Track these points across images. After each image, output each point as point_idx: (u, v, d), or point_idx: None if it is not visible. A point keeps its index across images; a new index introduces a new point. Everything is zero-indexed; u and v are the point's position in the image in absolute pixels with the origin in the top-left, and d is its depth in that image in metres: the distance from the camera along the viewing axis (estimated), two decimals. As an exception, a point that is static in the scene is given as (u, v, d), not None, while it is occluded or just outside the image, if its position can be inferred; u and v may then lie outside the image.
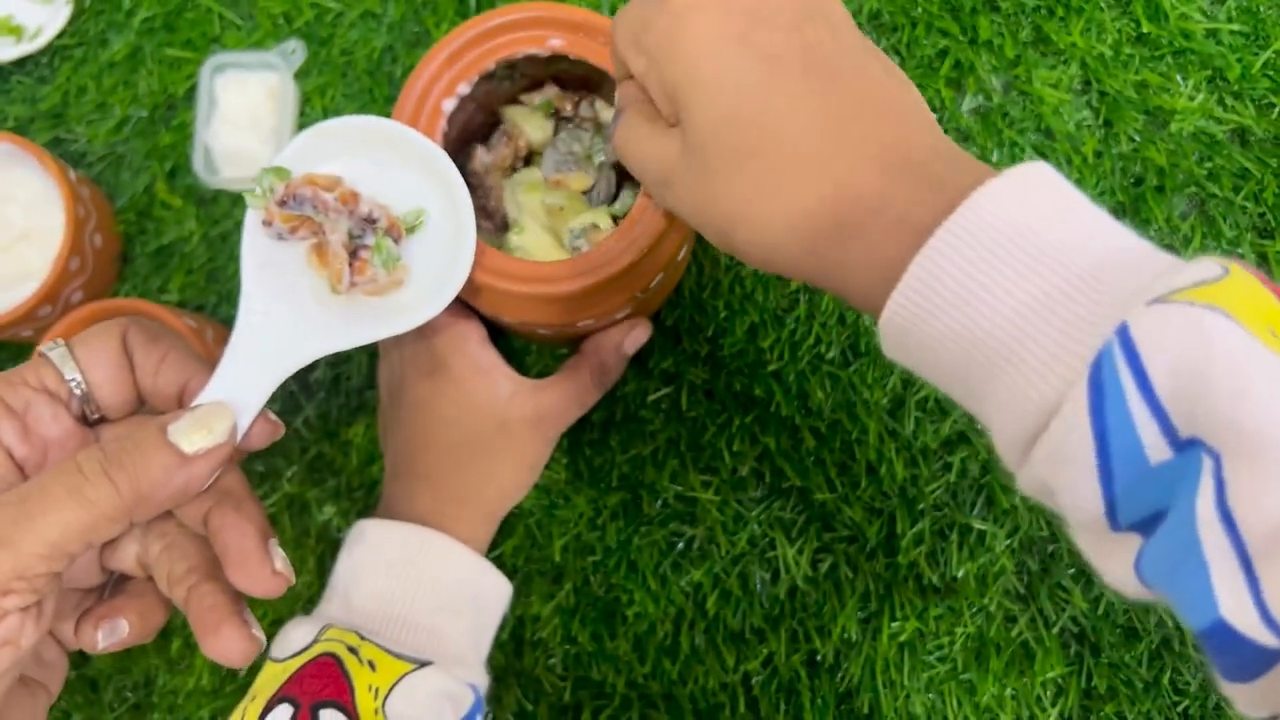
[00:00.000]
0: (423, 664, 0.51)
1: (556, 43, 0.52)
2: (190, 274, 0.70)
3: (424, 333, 0.58)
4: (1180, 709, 0.62)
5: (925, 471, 0.64)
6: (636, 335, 0.60)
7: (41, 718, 0.40)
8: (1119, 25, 0.70)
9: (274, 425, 0.43)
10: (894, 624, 0.63)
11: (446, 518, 0.57)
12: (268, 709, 0.47)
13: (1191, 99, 0.68)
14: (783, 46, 0.38)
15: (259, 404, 0.42)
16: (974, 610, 0.63)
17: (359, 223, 0.46)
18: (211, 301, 0.70)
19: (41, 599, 0.36)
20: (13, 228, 0.65)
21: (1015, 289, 0.33)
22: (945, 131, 0.68)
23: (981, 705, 0.62)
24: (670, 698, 0.63)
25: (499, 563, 0.61)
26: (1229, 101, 0.68)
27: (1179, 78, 0.69)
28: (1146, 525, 0.32)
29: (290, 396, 0.68)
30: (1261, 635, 0.28)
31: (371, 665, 0.49)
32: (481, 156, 0.57)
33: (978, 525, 0.63)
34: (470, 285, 0.50)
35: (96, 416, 0.42)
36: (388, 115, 0.49)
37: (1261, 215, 0.67)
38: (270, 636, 0.52)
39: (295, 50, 0.72)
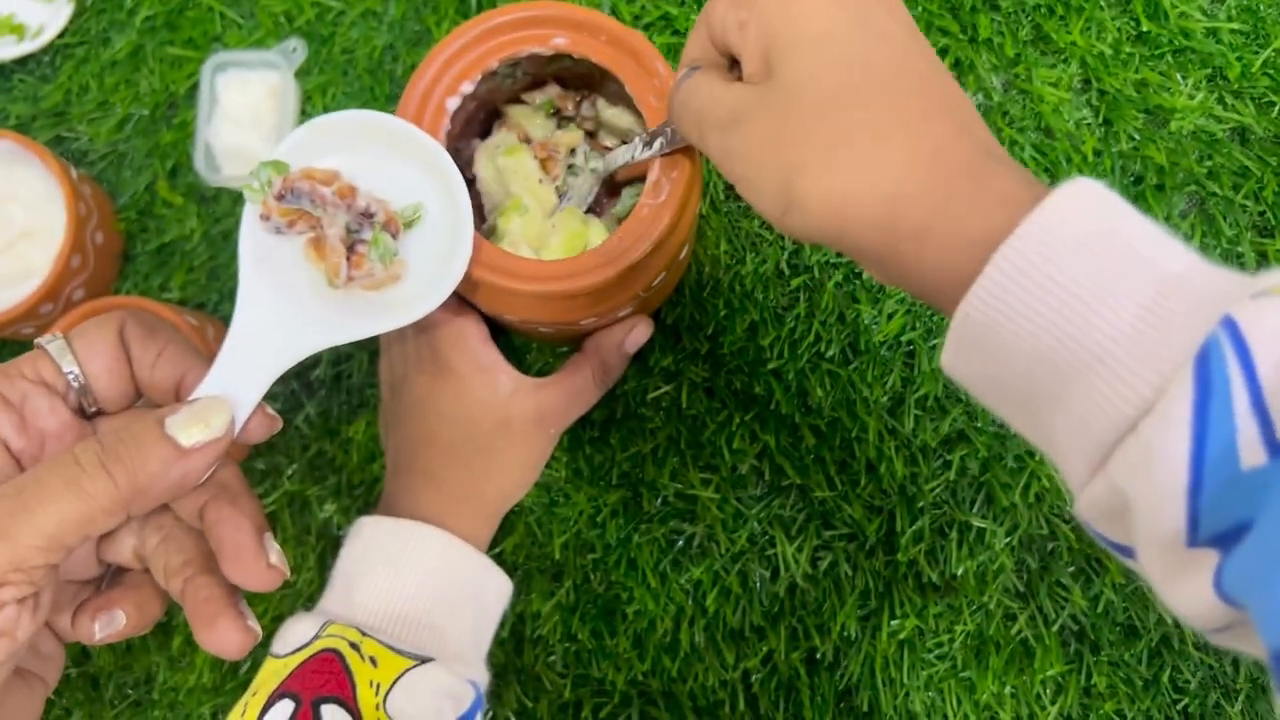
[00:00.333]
0: (424, 660, 0.51)
1: (560, 41, 0.52)
2: (191, 272, 0.70)
3: (425, 330, 0.58)
4: (1180, 707, 0.62)
5: (925, 469, 0.64)
6: (638, 334, 0.60)
7: (39, 709, 0.40)
8: (1119, 24, 0.70)
9: (271, 419, 0.43)
10: (893, 622, 0.63)
11: (447, 515, 0.57)
12: (269, 704, 0.47)
13: (1191, 97, 0.68)
14: (891, 21, 0.38)
15: (256, 398, 0.42)
16: (973, 608, 0.63)
17: (356, 217, 0.46)
18: (213, 299, 0.70)
19: (38, 591, 0.36)
20: (15, 226, 0.65)
21: (1112, 286, 0.31)
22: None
23: (981, 703, 0.62)
24: (670, 695, 0.63)
25: (499, 560, 0.61)
26: (1229, 100, 0.68)
27: (1179, 76, 0.69)
28: (1225, 539, 0.30)
29: (291, 394, 0.68)
30: None
31: (373, 661, 0.49)
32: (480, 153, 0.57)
33: (977, 523, 0.63)
34: (471, 282, 0.50)
35: (94, 409, 0.42)
36: (389, 113, 0.50)
37: (1261, 213, 0.67)
38: (272, 632, 0.52)
39: (296, 49, 0.72)
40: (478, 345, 0.58)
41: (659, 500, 0.65)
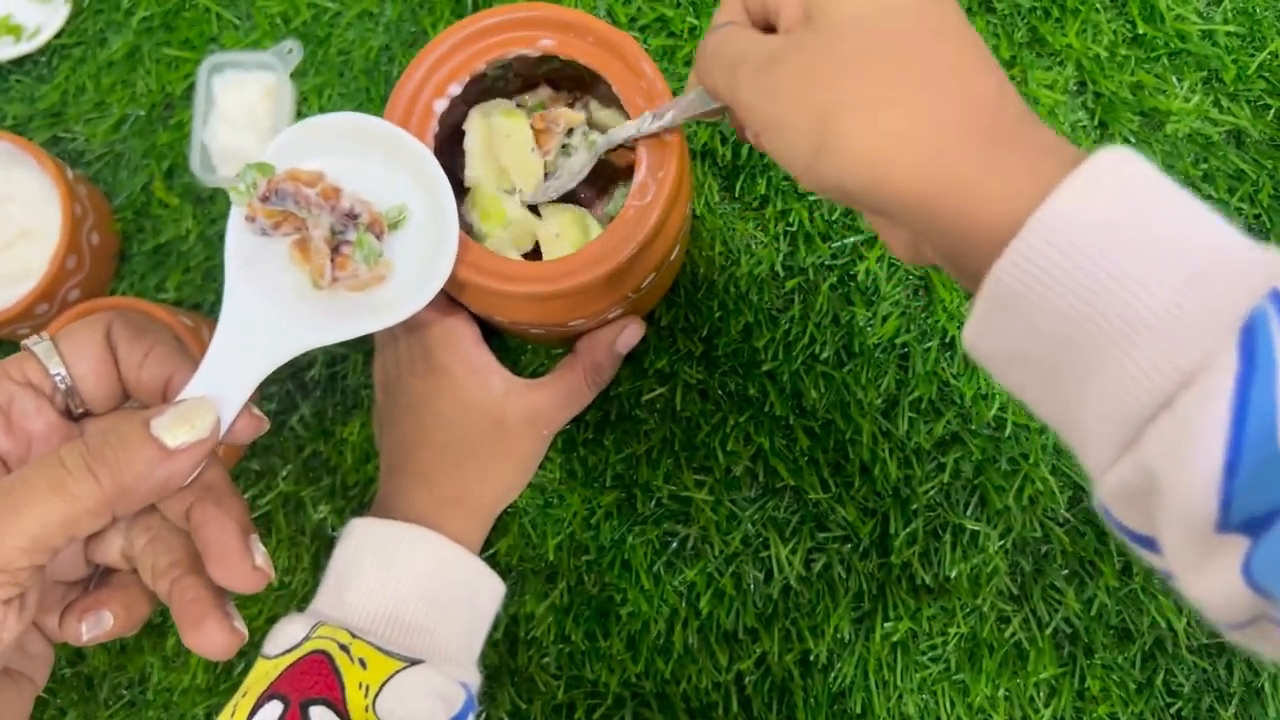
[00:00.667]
0: (414, 662, 0.51)
1: (547, 43, 0.52)
2: (187, 273, 0.70)
3: (418, 332, 0.58)
4: (1173, 710, 0.62)
5: (919, 472, 0.64)
6: (630, 334, 0.60)
7: (27, 709, 0.41)
8: (1114, 26, 0.70)
9: (258, 420, 0.43)
10: (887, 624, 0.63)
11: (441, 516, 0.57)
12: (258, 705, 0.48)
13: (1187, 100, 0.68)
14: None
15: (243, 399, 0.42)
16: (967, 611, 0.63)
17: (341, 218, 0.46)
18: (208, 300, 0.70)
19: (24, 592, 0.36)
20: (11, 226, 0.65)
21: (1155, 255, 0.30)
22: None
23: (974, 706, 0.62)
24: (663, 697, 0.63)
25: (493, 561, 0.61)
26: (1224, 103, 0.68)
27: (1174, 79, 0.69)
28: (1258, 524, 0.29)
29: (286, 395, 0.68)
30: None
31: (362, 663, 0.50)
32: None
33: (971, 526, 0.63)
34: (459, 283, 0.50)
35: (81, 410, 0.42)
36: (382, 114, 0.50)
37: (1257, 217, 0.67)
38: (264, 633, 0.52)
39: (292, 50, 0.72)
40: (470, 347, 0.58)
41: (653, 502, 0.65)
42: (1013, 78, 0.69)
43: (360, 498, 0.66)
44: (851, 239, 0.66)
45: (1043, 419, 0.36)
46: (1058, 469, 0.63)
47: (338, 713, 0.48)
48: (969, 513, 0.63)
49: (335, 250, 0.46)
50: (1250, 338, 0.29)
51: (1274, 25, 0.69)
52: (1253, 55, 0.69)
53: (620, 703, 0.63)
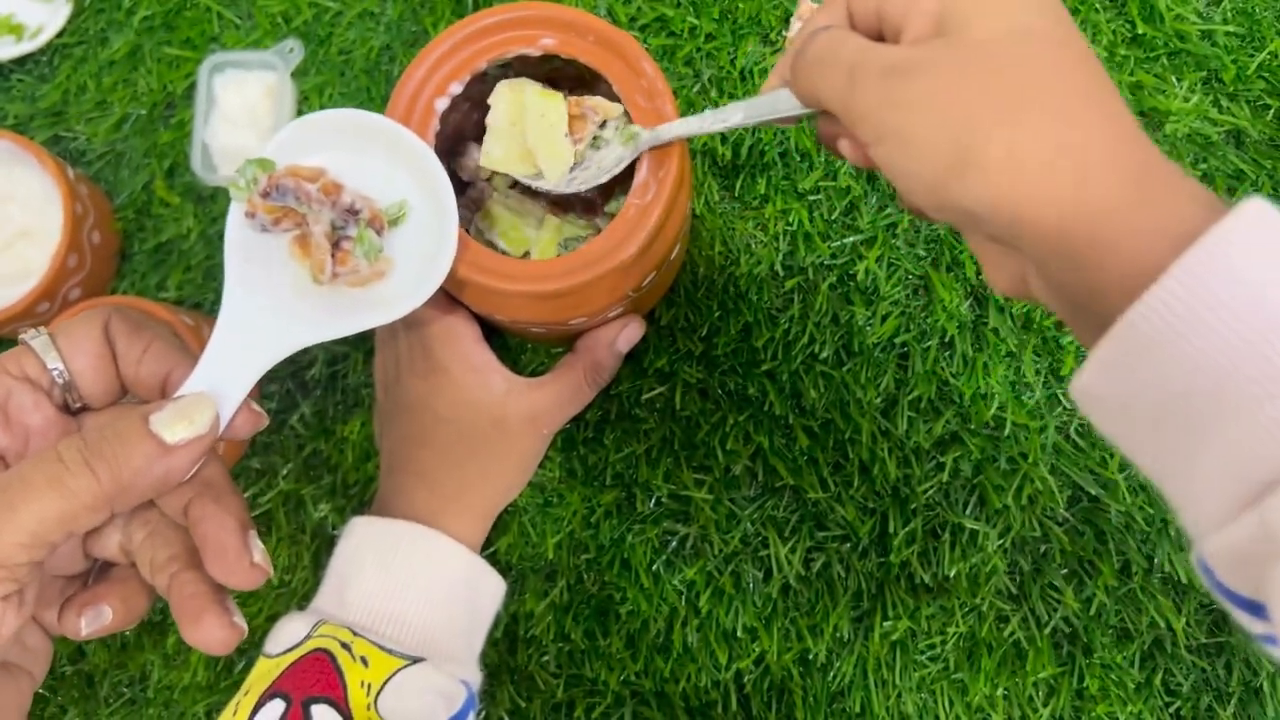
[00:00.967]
0: (415, 660, 0.51)
1: (548, 42, 0.52)
2: (188, 271, 0.70)
3: (419, 330, 0.58)
4: (1172, 710, 0.62)
5: (918, 471, 0.64)
6: (630, 333, 0.60)
7: (26, 702, 0.41)
8: (1114, 26, 0.70)
9: (257, 415, 0.43)
10: (886, 623, 0.63)
11: (441, 515, 0.57)
12: (260, 704, 0.48)
13: (1186, 100, 0.68)
14: (1067, 12, 0.37)
15: (242, 394, 0.42)
16: (966, 610, 0.63)
17: (341, 214, 0.46)
18: (209, 299, 0.70)
19: (22, 587, 0.36)
20: (12, 225, 0.65)
21: None
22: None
23: (973, 705, 0.62)
24: (663, 695, 0.63)
25: (493, 560, 0.61)
26: (1224, 103, 0.68)
27: (1174, 79, 0.69)
28: None
29: (287, 393, 0.68)
30: None
31: (364, 661, 0.50)
32: (474, 154, 0.57)
33: (970, 525, 0.63)
34: (458, 281, 0.50)
35: (79, 405, 0.42)
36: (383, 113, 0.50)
37: (1256, 217, 0.67)
38: (265, 632, 0.52)
39: (293, 49, 0.72)
40: (471, 346, 0.58)
41: (653, 501, 0.65)
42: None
43: (361, 496, 0.67)
44: (851, 239, 0.66)
45: (1142, 468, 0.35)
46: (1057, 468, 0.64)
47: (340, 711, 0.48)
48: (968, 512, 0.63)
49: (335, 246, 0.46)
50: None
51: (1273, 25, 0.69)
52: (1252, 55, 0.69)
53: (620, 701, 0.63)
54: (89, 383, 0.41)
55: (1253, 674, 0.62)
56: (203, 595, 0.39)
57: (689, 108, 0.69)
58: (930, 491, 0.64)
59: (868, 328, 0.65)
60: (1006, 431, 0.64)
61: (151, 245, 0.71)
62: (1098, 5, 0.70)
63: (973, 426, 0.64)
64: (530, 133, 0.53)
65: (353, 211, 0.47)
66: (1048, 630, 0.63)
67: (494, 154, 0.54)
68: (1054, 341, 0.65)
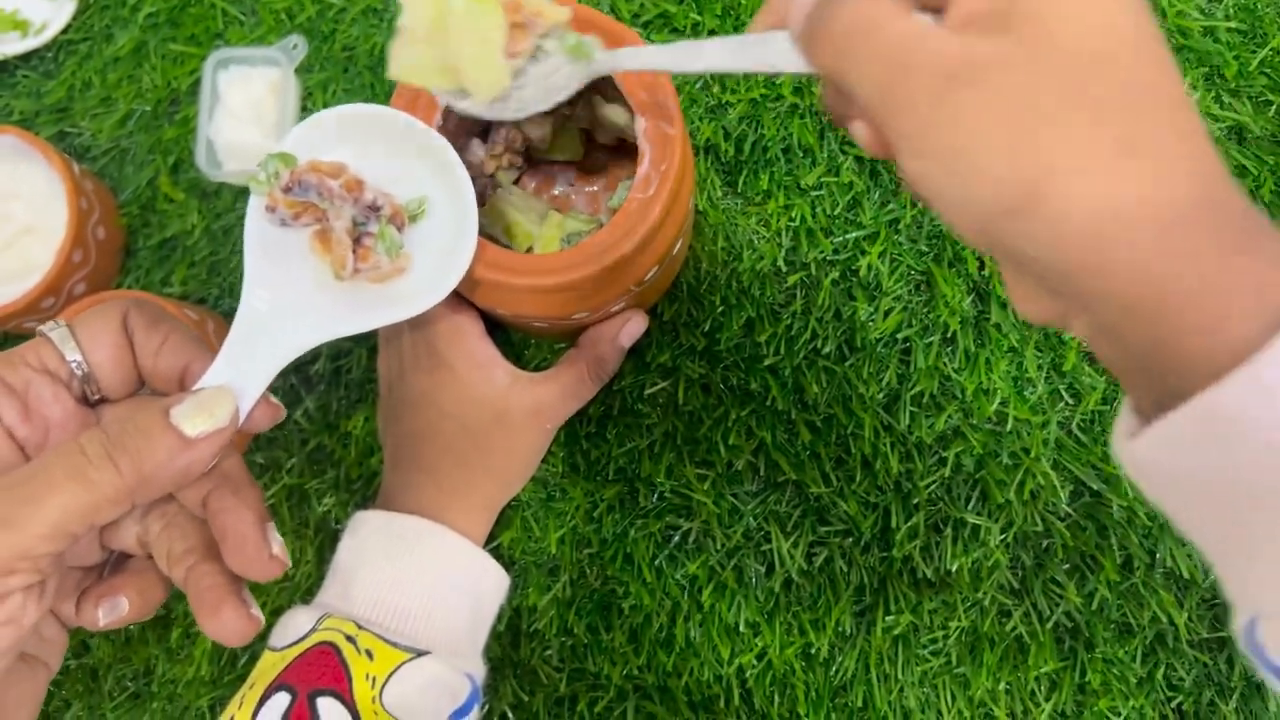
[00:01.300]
0: (420, 654, 0.51)
1: (553, 37, 0.52)
2: (192, 267, 0.70)
3: (422, 326, 0.58)
4: (1174, 704, 0.62)
5: (920, 466, 0.64)
6: (632, 327, 0.61)
7: (42, 692, 0.41)
8: (1117, 23, 0.70)
9: (275, 408, 0.43)
10: (888, 618, 0.63)
11: (445, 509, 0.57)
12: (265, 697, 0.48)
13: (1188, 96, 0.68)
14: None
15: (261, 388, 0.42)
16: (968, 604, 0.63)
17: (363, 210, 0.46)
18: (213, 295, 0.70)
19: (44, 578, 0.36)
20: (18, 221, 0.65)
21: None
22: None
23: (975, 699, 0.62)
24: (665, 689, 0.63)
25: (496, 554, 0.62)
26: (1226, 99, 0.68)
27: (1176, 75, 0.69)
28: None
29: (291, 389, 0.68)
30: None
31: (369, 654, 0.50)
32: (477, 150, 0.58)
33: (972, 519, 0.63)
34: (468, 279, 0.50)
35: (97, 397, 0.42)
36: None
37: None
38: (270, 625, 0.52)
39: (297, 45, 0.72)
40: (474, 341, 0.58)
41: (655, 495, 0.65)
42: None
43: (364, 491, 0.67)
44: (854, 234, 0.67)
45: (1186, 532, 0.33)
46: (1059, 464, 0.64)
47: (345, 704, 0.48)
48: (970, 507, 0.64)
49: (356, 242, 0.47)
50: None
51: (1275, 21, 0.69)
52: (1254, 51, 0.69)
53: (622, 695, 0.63)
54: (107, 375, 0.41)
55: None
56: (220, 587, 0.39)
57: (691, 104, 0.69)
58: (932, 486, 0.64)
59: (870, 323, 0.66)
60: (1008, 426, 0.64)
61: (156, 241, 0.71)
62: (1100, 1, 0.70)
63: (975, 421, 0.64)
64: (455, 42, 0.44)
65: (374, 208, 0.47)
66: (1050, 625, 0.63)
67: (404, 61, 0.45)
68: (1055, 337, 0.65)
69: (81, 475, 0.36)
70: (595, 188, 0.60)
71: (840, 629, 0.63)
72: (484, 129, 0.59)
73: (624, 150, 0.62)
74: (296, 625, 0.52)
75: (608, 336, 0.60)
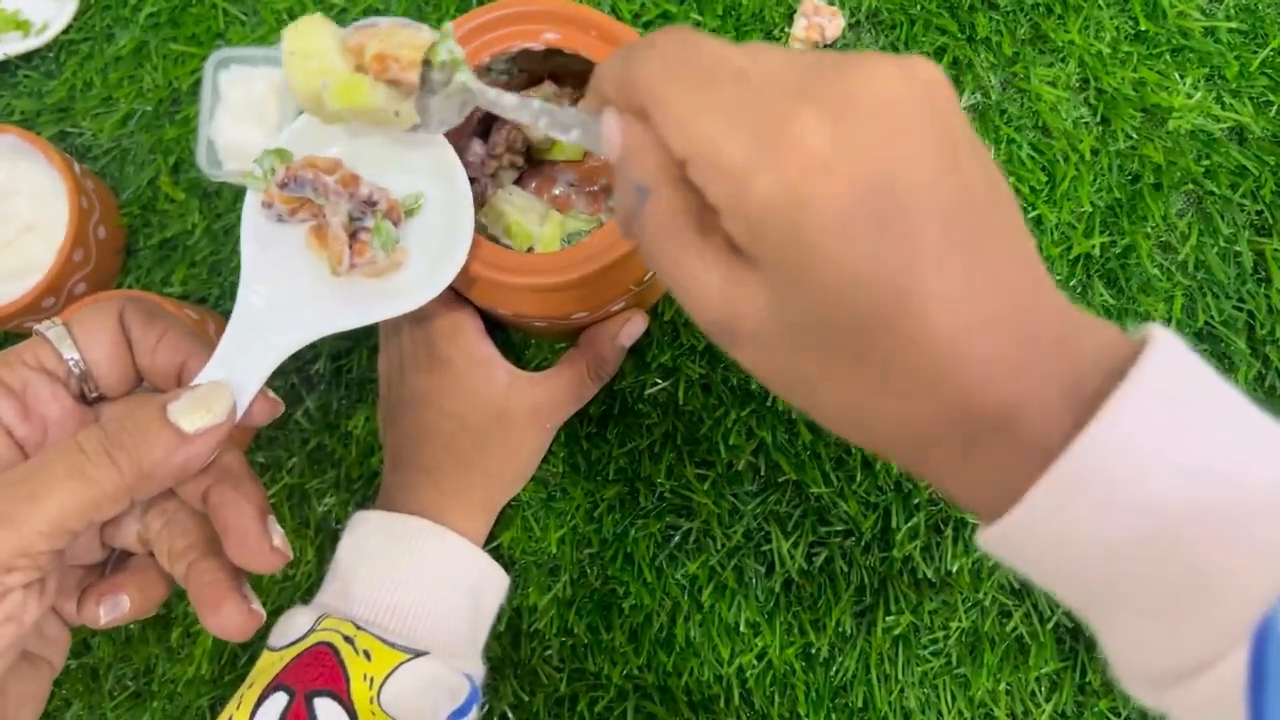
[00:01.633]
0: (419, 654, 0.51)
1: (551, 36, 0.52)
2: (193, 267, 0.71)
3: (422, 325, 0.58)
4: (1174, 705, 0.62)
5: (920, 466, 0.64)
6: (632, 327, 0.61)
7: (45, 691, 0.41)
8: (1117, 23, 0.70)
9: (273, 403, 0.44)
10: (889, 618, 0.63)
11: (445, 509, 0.57)
12: (263, 697, 0.48)
13: (1189, 97, 0.68)
14: (924, 211, 0.29)
15: (258, 383, 0.42)
16: (968, 605, 0.63)
17: (359, 205, 0.47)
18: (214, 294, 0.70)
19: (44, 576, 0.36)
20: (19, 220, 0.65)
21: (1168, 521, 0.28)
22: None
23: (975, 700, 0.62)
24: (665, 689, 0.63)
25: (496, 554, 0.62)
26: (1227, 99, 0.68)
27: (1177, 75, 0.69)
28: None
29: (291, 388, 0.68)
30: None
31: (367, 655, 0.50)
32: (476, 149, 0.58)
33: (972, 520, 0.63)
34: (464, 276, 0.50)
35: (95, 395, 0.42)
36: None
37: (1259, 213, 0.67)
38: (269, 625, 0.52)
39: (298, 45, 0.72)
40: (474, 340, 0.58)
41: (655, 495, 0.65)
42: (1015, 74, 0.69)
43: (364, 490, 0.67)
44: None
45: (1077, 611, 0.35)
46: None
47: (342, 704, 0.48)
48: (970, 507, 0.63)
49: (353, 237, 0.47)
50: (1260, 651, 0.27)
51: (1276, 22, 0.69)
52: (1255, 52, 0.69)
53: (622, 695, 0.63)
54: (105, 373, 0.41)
55: (1255, 669, 0.62)
56: (221, 582, 0.39)
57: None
58: (933, 486, 0.64)
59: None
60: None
61: (157, 241, 0.71)
62: (1101, 2, 0.70)
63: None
64: (344, 116, 0.45)
65: (370, 203, 0.47)
66: (1050, 625, 0.63)
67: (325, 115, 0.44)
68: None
69: (81, 473, 0.36)
70: (595, 188, 0.60)
71: (840, 629, 0.63)
72: (485, 129, 0.59)
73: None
74: (295, 625, 0.52)
75: (608, 336, 0.60)
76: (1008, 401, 0.30)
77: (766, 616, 0.63)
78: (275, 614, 0.53)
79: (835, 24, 0.69)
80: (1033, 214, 0.67)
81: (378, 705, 0.49)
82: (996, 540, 0.31)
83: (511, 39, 0.53)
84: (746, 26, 0.70)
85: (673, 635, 0.63)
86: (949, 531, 0.63)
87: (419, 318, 0.58)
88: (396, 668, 0.50)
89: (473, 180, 0.59)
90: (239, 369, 0.42)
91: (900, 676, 0.62)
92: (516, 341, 0.68)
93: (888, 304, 0.29)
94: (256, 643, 0.59)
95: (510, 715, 0.63)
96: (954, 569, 0.63)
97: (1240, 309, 0.66)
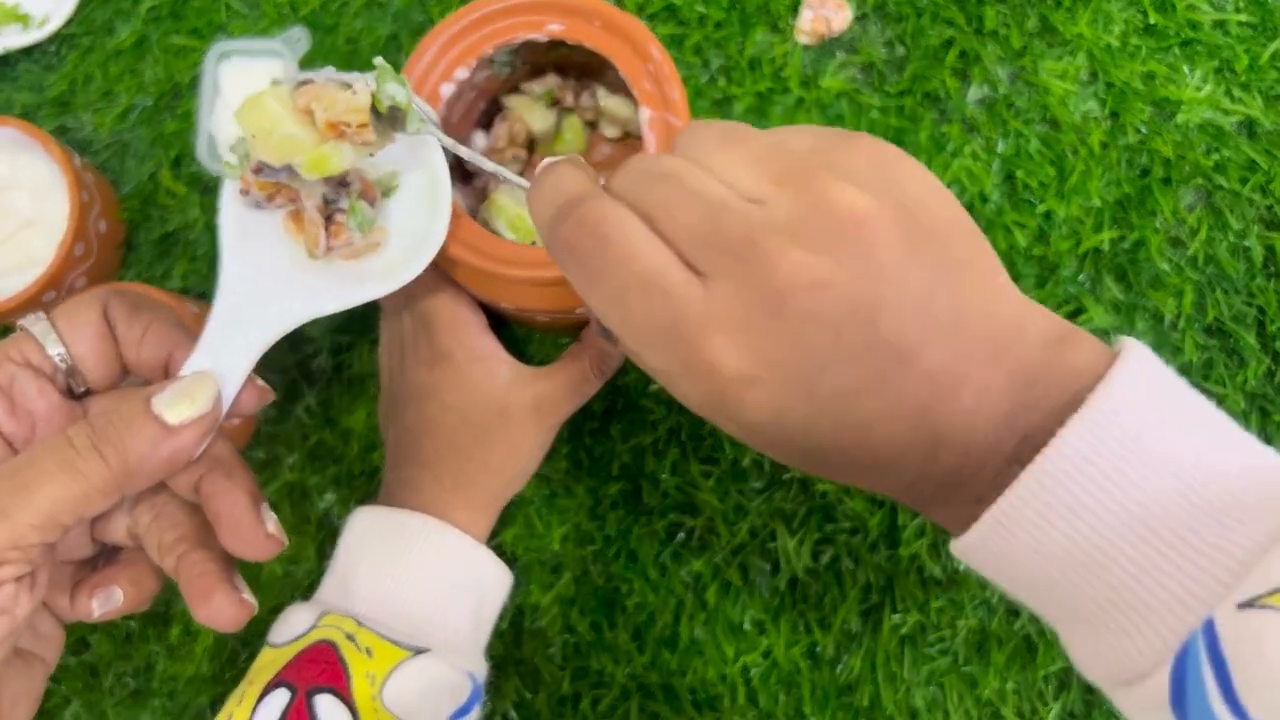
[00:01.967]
0: (420, 652, 0.51)
1: (555, 27, 0.52)
2: (193, 261, 0.70)
3: (424, 320, 0.58)
4: (1183, 704, 0.61)
5: (927, 463, 0.63)
6: (637, 323, 0.60)
7: (40, 689, 0.41)
8: (1126, 16, 0.69)
9: (262, 390, 0.43)
10: (895, 616, 0.62)
11: (447, 506, 0.57)
12: (264, 694, 0.47)
13: (1199, 90, 0.68)
14: (898, 250, 0.32)
15: (244, 371, 0.42)
16: (976, 603, 0.62)
17: (333, 187, 0.46)
18: (214, 289, 0.70)
19: (35, 569, 0.36)
20: (19, 214, 0.65)
21: (1130, 525, 0.30)
22: (949, 123, 0.68)
23: (983, 699, 0.62)
24: (669, 688, 0.63)
25: (499, 551, 0.61)
26: (1236, 93, 0.68)
27: (1186, 69, 0.68)
28: None
29: (292, 384, 0.68)
30: None
31: (369, 652, 0.49)
32: (479, 141, 0.57)
33: (980, 517, 0.62)
34: (464, 269, 0.50)
35: (83, 389, 0.42)
36: None
37: (1269, 207, 0.66)
38: (269, 622, 0.52)
39: (300, 38, 0.72)
40: (476, 335, 0.57)
41: (659, 492, 0.64)
42: (1023, 67, 0.69)
43: (365, 487, 0.66)
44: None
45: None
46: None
47: (343, 702, 0.47)
48: (978, 504, 0.63)
49: (329, 219, 0.46)
50: (1179, 671, 0.29)
51: (1287, 15, 0.69)
52: (1265, 45, 0.68)
53: (626, 694, 0.63)
54: (91, 367, 0.41)
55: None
56: (211, 574, 0.39)
57: (697, 96, 0.69)
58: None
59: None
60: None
61: (157, 235, 0.71)
62: (1110, -6, 0.69)
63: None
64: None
65: (344, 184, 0.46)
66: (1058, 624, 0.62)
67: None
68: (1065, 333, 0.64)
69: (71, 467, 0.36)
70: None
71: (846, 628, 0.62)
72: (487, 120, 0.59)
73: (628, 143, 0.62)
74: (296, 622, 0.51)
75: (611, 331, 0.60)
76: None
77: (771, 615, 0.63)
78: (275, 611, 0.53)
79: (842, 16, 0.69)
80: (1041, 208, 0.66)
81: (380, 703, 0.48)
82: (961, 551, 0.34)
83: (515, 30, 0.52)
84: (751, 19, 0.70)
85: (677, 634, 0.63)
86: (956, 529, 0.63)
87: (421, 313, 0.58)
88: (398, 665, 0.50)
89: (474, 174, 0.59)
90: (224, 358, 0.42)
91: (907, 675, 0.62)
92: (519, 337, 0.67)
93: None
94: (256, 640, 0.59)
95: (513, 714, 0.63)
96: (961, 567, 0.62)
97: (1250, 304, 0.65)
